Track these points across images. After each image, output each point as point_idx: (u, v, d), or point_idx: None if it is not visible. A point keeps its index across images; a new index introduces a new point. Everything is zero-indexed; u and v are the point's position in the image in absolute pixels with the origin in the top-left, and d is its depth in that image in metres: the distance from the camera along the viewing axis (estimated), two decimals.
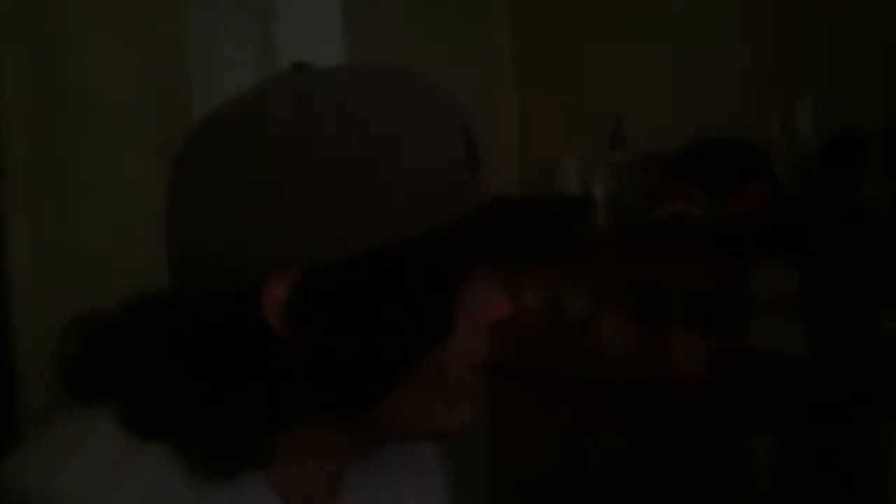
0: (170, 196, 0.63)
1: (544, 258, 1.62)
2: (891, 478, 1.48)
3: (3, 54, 1.60)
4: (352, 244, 0.57)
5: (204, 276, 0.60)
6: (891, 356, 1.50)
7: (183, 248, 0.62)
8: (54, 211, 1.62)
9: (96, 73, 1.69)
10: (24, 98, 1.61)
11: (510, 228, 0.66)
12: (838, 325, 1.54)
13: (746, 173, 1.81)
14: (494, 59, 2.66)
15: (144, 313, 0.63)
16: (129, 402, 0.60)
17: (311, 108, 0.59)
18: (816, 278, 1.57)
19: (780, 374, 1.62)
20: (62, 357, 0.64)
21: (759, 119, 1.87)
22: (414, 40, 2.34)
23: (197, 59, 1.88)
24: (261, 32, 3.24)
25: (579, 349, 2.07)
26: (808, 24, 1.97)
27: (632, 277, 1.94)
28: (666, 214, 1.88)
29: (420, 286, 0.59)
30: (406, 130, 0.59)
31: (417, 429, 0.65)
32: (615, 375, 1.97)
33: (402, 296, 0.59)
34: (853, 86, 1.84)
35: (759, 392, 1.66)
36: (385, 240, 0.58)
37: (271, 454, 0.61)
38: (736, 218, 1.70)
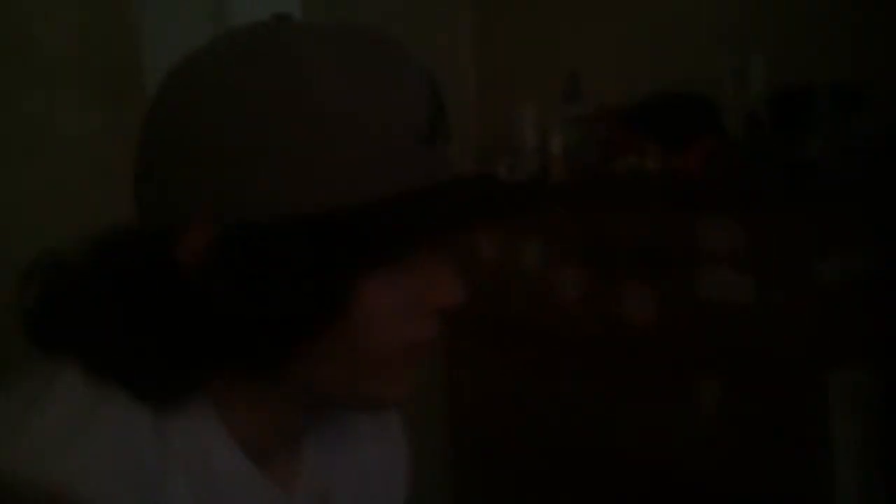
0: (138, 141, 0.64)
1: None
2: (833, 425, 1.54)
3: None
4: (277, 208, 0.57)
5: (147, 218, 0.62)
6: (834, 305, 1.55)
7: (136, 193, 0.63)
8: (3, 161, 1.59)
9: (39, 20, 1.65)
10: None
11: (454, 213, 0.63)
12: (784, 276, 1.58)
13: (699, 127, 1.83)
14: (452, 12, 2.64)
15: (99, 256, 0.63)
16: (83, 348, 0.60)
17: (260, 65, 0.58)
18: (762, 230, 1.60)
19: (727, 324, 1.66)
20: (22, 304, 0.63)
21: (712, 73, 1.89)
22: None
23: (146, 12, 1.84)
24: None
25: (533, 300, 2.10)
26: None
27: (585, 229, 1.97)
28: (620, 168, 1.90)
29: (328, 261, 0.58)
30: (352, 95, 0.58)
31: (341, 397, 0.65)
32: (567, 326, 2.01)
33: (295, 269, 0.58)
34: (803, 40, 1.86)
35: (706, 341, 1.70)
36: (309, 209, 0.57)
37: (202, 378, 0.62)
38: (686, 171, 1.72)
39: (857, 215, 1.58)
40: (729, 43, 1.93)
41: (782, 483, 1.59)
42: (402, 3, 2.32)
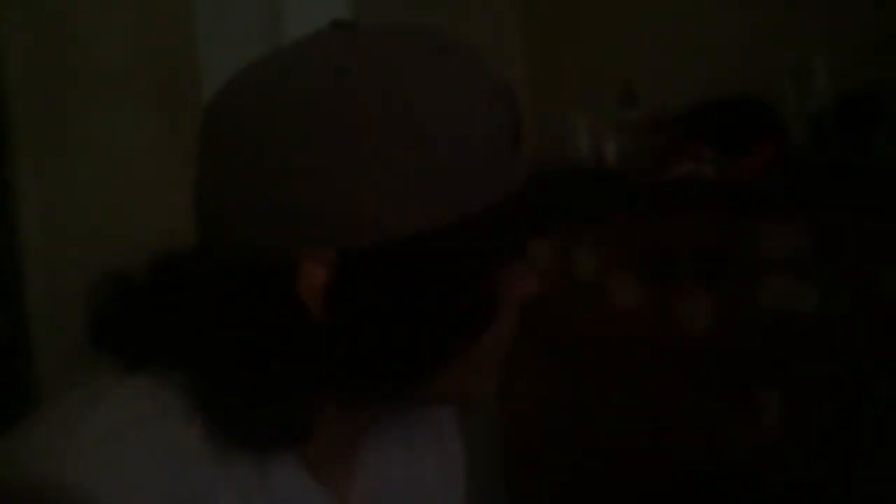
0: (203, 159, 0.61)
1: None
2: None
3: (3, 16, 1.59)
4: (393, 226, 0.55)
5: (235, 243, 0.58)
6: None
7: (213, 212, 0.60)
8: (59, 172, 1.63)
9: (97, 33, 1.68)
10: (25, 60, 1.61)
11: (555, 211, 0.65)
12: (848, 284, 1.53)
13: (758, 132, 1.79)
14: (502, 17, 2.62)
15: (171, 275, 0.62)
16: (156, 366, 0.59)
17: (354, 81, 0.56)
18: (827, 237, 1.56)
19: (789, 333, 1.62)
20: (89, 316, 0.62)
21: (773, 77, 1.85)
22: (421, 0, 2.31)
23: (202, 22, 1.86)
24: None
25: (588, 308, 2.07)
26: None
27: (641, 237, 1.94)
28: (676, 175, 1.86)
29: (464, 271, 0.58)
30: (452, 109, 0.57)
31: (445, 399, 0.66)
32: (624, 334, 1.98)
33: (444, 282, 0.57)
34: (868, 43, 1.81)
35: (767, 350, 1.66)
36: (427, 224, 0.56)
37: (307, 432, 0.60)
38: (746, 177, 1.69)
39: None
40: (788, 45, 1.89)
41: (848, 496, 1.55)
42: (447, 11, 2.32)
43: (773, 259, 1.62)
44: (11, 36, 1.59)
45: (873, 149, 1.53)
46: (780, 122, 1.80)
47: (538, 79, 2.63)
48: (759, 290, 1.65)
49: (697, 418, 1.81)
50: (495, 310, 0.60)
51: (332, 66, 0.57)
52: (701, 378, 1.80)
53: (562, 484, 2.18)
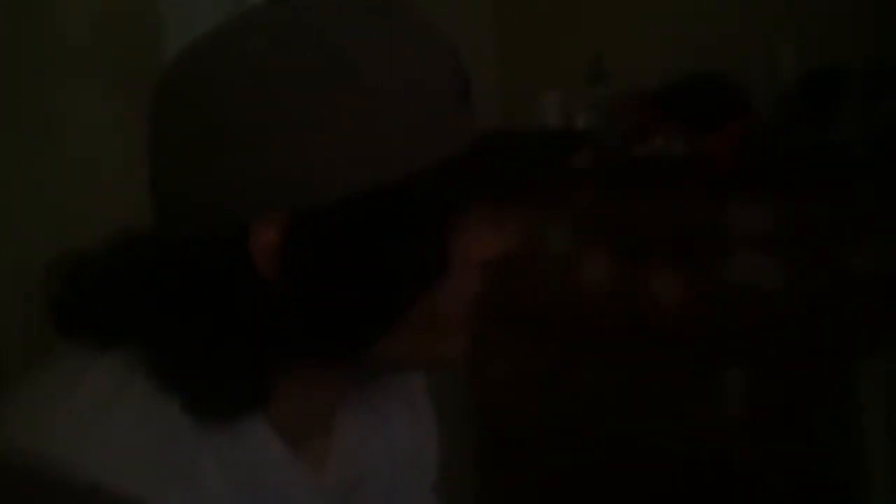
0: (152, 133, 0.61)
1: (524, 195, 1.61)
2: (861, 414, 1.52)
3: None
4: (342, 185, 0.56)
5: (189, 216, 0.59)
6: (864, 292, 1.52)
7: (166, 187, 0.60)
8: (14, 149, 1.59)
9: (60, 9, 1.64)
10: None
11: (506, 164, 0.65)
12: (814, 262, 1.55)
13: (727, 109, 1.80)
14: None
15: (130, 253, 0.62)
16: (118, 345, 0.59)
17: (291, 42, 0.57)
18: (793, 215, 1.58)
19: (756, 310, 1.64)
20: (47, 296, 0.62)
21: (741, 55, 1.86)
22: None
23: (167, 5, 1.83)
24: None
25: (559, 285, 2.08)
26: None
27: (611, 213, 1.95)
28: (646, 151, 1.87)
29: (415, 226, 0.58)
30: (394, 64, 0.57)
31: (409, 363, 0.66)
32: (594, 310, 1.99)
33: (396, 237, 0.58)
34: (834, 22, 1.82)
35: (735, 327, 1.68)
36: (376, 180, 0.56)
37: (267, 395, 0.60)
38: (715, 154, 1.70)
39: (889, 200, 1.55)
40: (757, 23, 1.90)
41: (810, 472, 1.57)
42: None
43: (741, 236, 1.64)
44: None
45: (838, 127, 1.54)
46: (748, 100, 1.81)
47: (508, 55, 2.62)
48: (727, 266, 1.67)
49: (665, 395, 1.83)
50: (444, 266, 0.60)
51: (267, 29, 0.58)
52: (669, 355, 1.82)
53: (532, 462, 2.20)
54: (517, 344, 2.18)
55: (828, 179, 1.54)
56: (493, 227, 0.64)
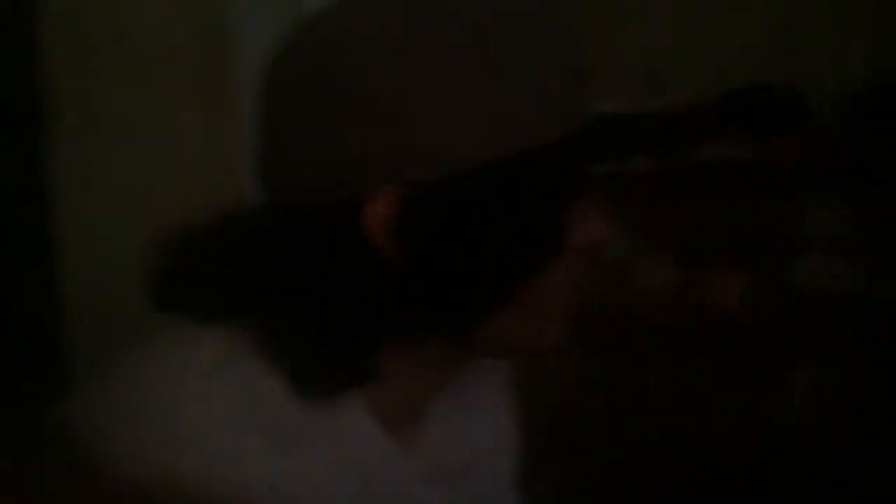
0: (267, 106, 0.61)
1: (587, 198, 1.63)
2: None
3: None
4: (455, 161, 0.56)
5: (299, 193, 0.58)
6: None
7: (280, 160, 0.60)
8: (96, 151, 1.64)
9: (140, 17, 1.69)
10: (64, 42, 1.62)
11: (621, 145, 0.65)
12: (885, 265, 1.53)
13: (792, 117, 1.79)
14: None
15: (236, 228, 0.62)
16: (228, 318, 0.59)
17: (422, 16, 0.57)
18: (863, 218, 1.56)
19: (825, 313, 1.61)
20: (153, 271, 0.62)
21: (807, 62, 1.84)
22: None
23: (237, 9, 1.87)
24: None
25: (616, 289, 2.07)
26: None
27: (672, 218, 1.94)
28: (710, 158, 1.86)
29: (532, 203, 0.58)
30: (517, 39, 0.58)
31: (511, 346, 0.65)
32: (654, 315, 1.97)
33: (514, 213, 0.57)
34: None
35: (803, 330, 1.66)
36: (497, 152, 0.56)
37: (371, 374, 0.60)
38: (779, 159, 1.68)
39: None
40: (824, 29, 1.88)
41: (878, 476, 1.54)
42: None
43: (809, 239, 1.62)
44: (55, 19, 1.60)
45: None
46: (812, 108, 1.79)
47: None
48: (794, 269, 1.65)
49: (730, 399, 1.81)
50: (558, 245, 0.60)
51: (400, 4, 0.58)
52: (736, 358, 1.79)
53: (589, 466, 2.18)
54: (575, 350, 2.16)
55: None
56: (599, 214, 0.64)
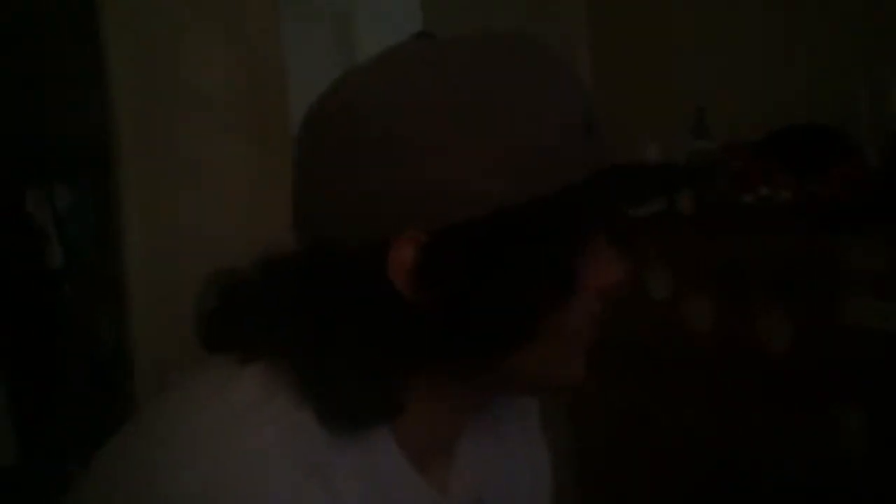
0: (302, 155, 0.65)
1: (629, 237, 1.64)
2: None
3: (110, 50, 1.70)
4: (479, 202, 0.59)
5: (331, 238, 0.62)
6: None
7: (309, 212, 0.64)
8: (164, 197, 1.72)
9: (199, 67, 1.78)
10: (132, 91, 1.72)
11: (634, 192, 0.68)
12: None
13: (834, 156, 1.80)
14: (572, 45, 2.66)
15: (275, 271, 0.65)
16: (263, 356, 0.62)
17: (443, 71, 0.61)
18: None
19: (871, 352, 1.61)
20: (199, 313, 0.66)
21: (847, 100, 1.85)
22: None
23: (290, 56, 1.96)
24: (342, 33, 3.35)
25: (663, 329, 2.07)
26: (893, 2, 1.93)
27: (716, 257, 1.94)
28: (752, 199, 1.87)
29: (547, 245, 0.61)
30: (533, 94, 0.62)
31: (534, 383, 0.67)
32: (700, 355, 1.98)
33: (532, 254, 0.60)
34: None
35: (849, 370, 1.65)
36: (512, 198, 0.59)
37: (399, 408, 0.62)
38: (823, 198, 1.69)
39: None
40: (864, 66, 1.89)
41: None
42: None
43: (853, 277, 1.62)
44: (122, 68, 1.69)
45: None
46: (855, 146, 1.80)
47: (607, 107, 2.66)
48: (839, 307, 1.65)
49: (777, 439, 1.80)
50: (572, 288, 0.62)
51: (420, 58, 0.62)
52: (780, 398, 1.78)
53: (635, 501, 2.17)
54: (619, 386, 2.16)
55: None
56: (613, 257, 0.67)
